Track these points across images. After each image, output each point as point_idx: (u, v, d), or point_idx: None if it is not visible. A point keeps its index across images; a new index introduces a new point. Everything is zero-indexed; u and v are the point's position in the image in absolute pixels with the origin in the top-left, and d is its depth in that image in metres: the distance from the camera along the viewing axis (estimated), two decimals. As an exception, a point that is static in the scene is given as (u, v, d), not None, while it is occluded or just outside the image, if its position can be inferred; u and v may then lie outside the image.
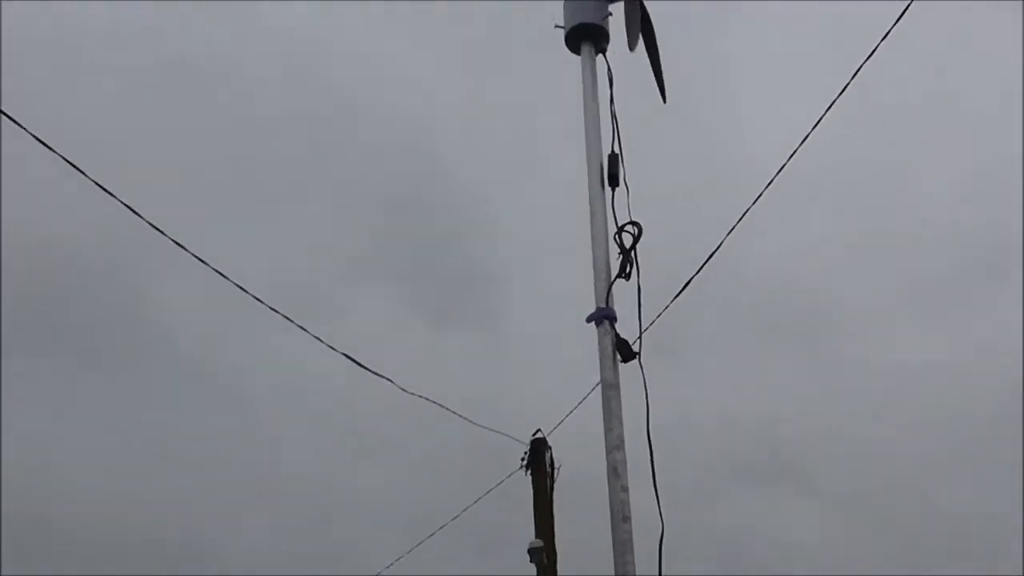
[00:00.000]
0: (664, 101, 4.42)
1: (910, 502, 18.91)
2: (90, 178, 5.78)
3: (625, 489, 3.43)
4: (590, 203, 3.99)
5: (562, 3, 4.40)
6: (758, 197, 6.49)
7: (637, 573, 3.29)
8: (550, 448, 10.94)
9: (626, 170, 4.02)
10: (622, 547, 3.34)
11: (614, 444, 3.50)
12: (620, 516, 3.39)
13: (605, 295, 3.77)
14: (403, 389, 8.96)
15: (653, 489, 3.47)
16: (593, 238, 3.91)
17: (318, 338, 7.96)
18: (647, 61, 4.41)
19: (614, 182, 3.99)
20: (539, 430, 10.87)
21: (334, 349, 8.12)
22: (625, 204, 3.95)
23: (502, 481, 10.82)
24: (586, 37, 4.33)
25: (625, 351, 3.65)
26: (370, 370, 8.63)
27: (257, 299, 7.27)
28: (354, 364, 8.31)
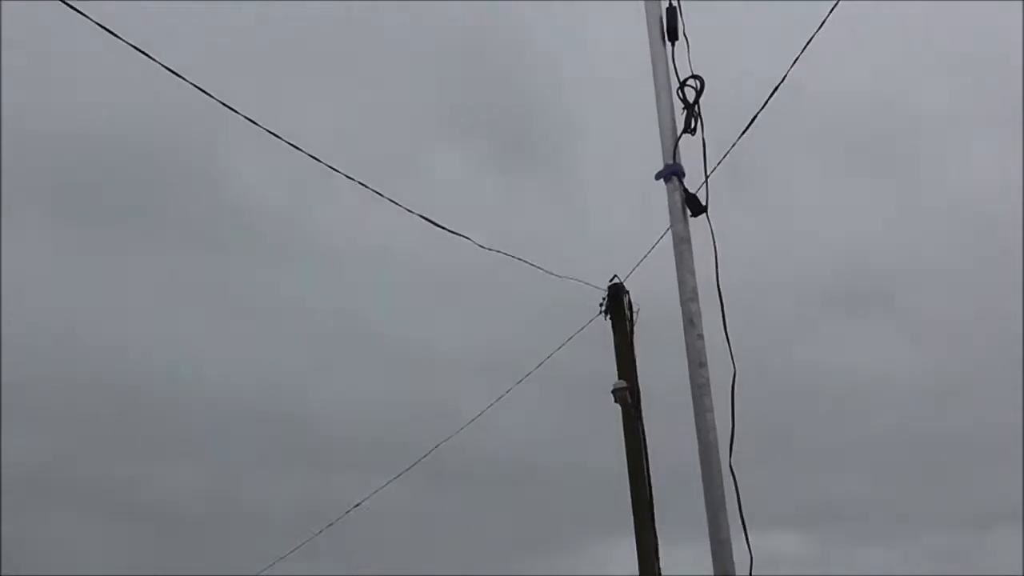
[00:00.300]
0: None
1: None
2: (158, 61, 5.88)
3: (700, 337, 3.60)
4: (651, 58, 4.01)
5: None
6: (823, 22, 6.32)
7: (714, 411, 3.49)
8: (627, 293, 11.14)
9: (685, 23, 4.01)
10: (699, 390, 3.53)
11: (688, 296, 3.64)
12: (697, 362, 3.57)
13: (672, 150, 3.83)
14: (480, 245, 9.14)
15: (725, 336, 3.63)
16: (657, 94, 3.94)
17: (394, 201, 8.13)
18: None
19: (673, 36, 3.98)
20: (615, 276, 11.07)
21: (411, 211, 8.30)
22: (686, 57, 3.95)
23: (583, 327, 11.09)
24: None
25: (694, 205, 3.74)
26: (447, 228, 8.80)
27: (332, 168, 7.42)
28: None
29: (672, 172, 3.80)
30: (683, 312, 3.62)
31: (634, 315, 11.09)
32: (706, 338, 3.58)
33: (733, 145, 7.66)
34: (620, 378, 10.93)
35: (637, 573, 10.04)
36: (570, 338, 11.29)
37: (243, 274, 19.59)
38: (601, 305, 11.11)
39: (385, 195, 8.06)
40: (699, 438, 3.46)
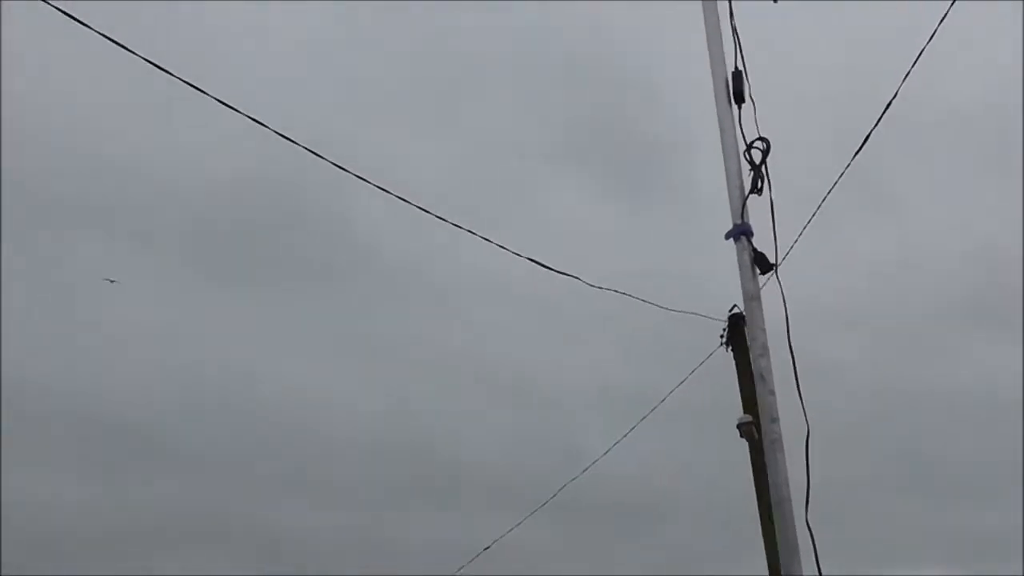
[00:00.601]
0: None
1: None
2: (273, 129, 6.35)
3: (772, 393, 3.70)
4: (719, 120, 4.15)
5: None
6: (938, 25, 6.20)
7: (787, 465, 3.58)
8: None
9: (751, 84, 4.14)
10: (772, 445, 3.64)
11: (759, 352, 3.76)
12: (769, 417, 3.68)
13: (740, 210, 3.96)
14: (590, 284, 9.28)
15: (798, 393, 3.73)
16: (724, 155, 4.08)
17: (503, 247, 8.38)
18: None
19: (739, 99, 4.12)
20: (735, 305, 11.02)
21: (519, 255, 8.52)
22: (752, 119, 4.08)
23: (704, 360, 11.09)
24: (701, -47, 4.40)
25: (763, 264, 3.86)
26: (556, 270, 8.98)
27: (440, 219, 7.73)
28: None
29: (741, 232, 3.93)
30: (754, 367, 3.75)
31: (756, 346, 11.03)
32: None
33: (836, 183, 7.62)
34: (745, 412, 10.86)
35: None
36: (692, 371, 11.30)
37: (371, 313, 20.35)
38: (722, 336, 11.09)
39: (493, 241, 8.28)
40: (772, 492, 3.56)
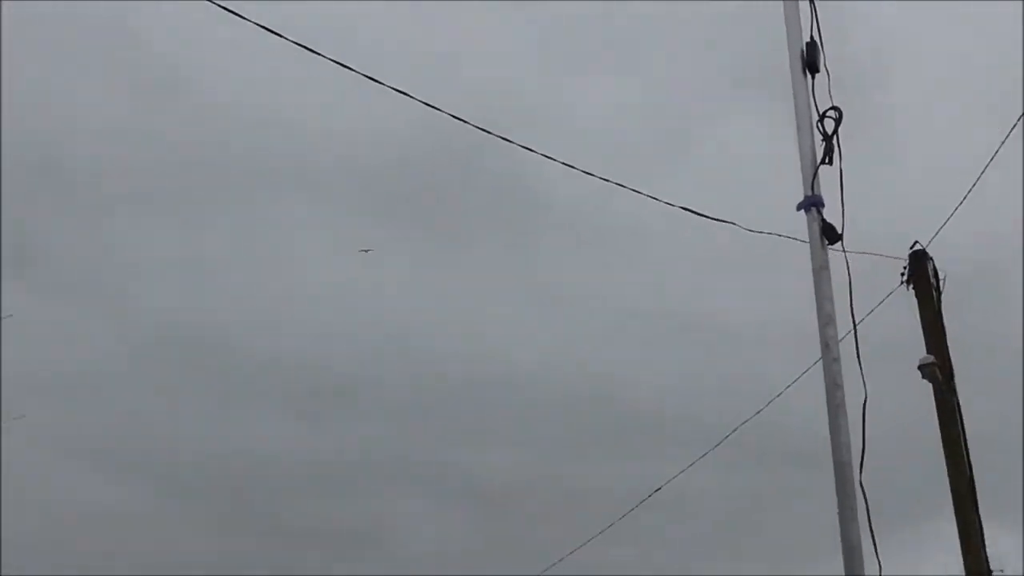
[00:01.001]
0: None
1: None
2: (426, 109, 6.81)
3: (836, 360, 3.84)
4: (793, 90, 4.23)
5: None
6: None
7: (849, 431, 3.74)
8: (931, 259, 10.65)
9: (826, 55, 4.18)
10: (835, 410, 3.78)
11: (825, 321, 3.89)
12: (832, 383, 3.82)
13: (811, 181, 4.06)
14: (748, 229, 9.10)
15: (858, 361, 3.85)
16: (798, 126, 4.17)
17: (655, 198, 8.46)
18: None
19: (813, 69, 4.17)
20: (916, 242, 10.62)
21: (671, 204, 8.53)
22: (826, 89, 4.14)
23: (885, 299, 10.79)
24: (779, -80, 4.43)
25: (831, 234, 3.96)
26: (709, 216, 8.88)
27: (589, 174, 7.93)
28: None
29: (811, 203, 4.03)
30: (820, 336, 3.88)
31: (940, 283, 10.58)
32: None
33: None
34: (928, 352, 10.49)
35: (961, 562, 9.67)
36: (871, 311, 11.02)
37: (548, 262, 20.86)
38: (902, 274, 10.73)
39: (643, 192, 8.36)
40: (833, 456, 3.73)
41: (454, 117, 6.94)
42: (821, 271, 3.96)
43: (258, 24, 5.83)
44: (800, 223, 4.03)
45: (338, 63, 6.26)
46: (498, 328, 20.84)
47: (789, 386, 11.40)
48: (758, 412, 11.11)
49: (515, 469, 20.38)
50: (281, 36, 5.77)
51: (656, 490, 10.17)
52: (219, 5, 5.65)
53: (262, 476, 18.91)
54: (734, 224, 9.27)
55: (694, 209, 8.84)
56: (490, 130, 7.19)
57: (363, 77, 6.44)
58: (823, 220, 4.00)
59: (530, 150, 7.45)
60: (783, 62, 4.19)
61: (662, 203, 8.55)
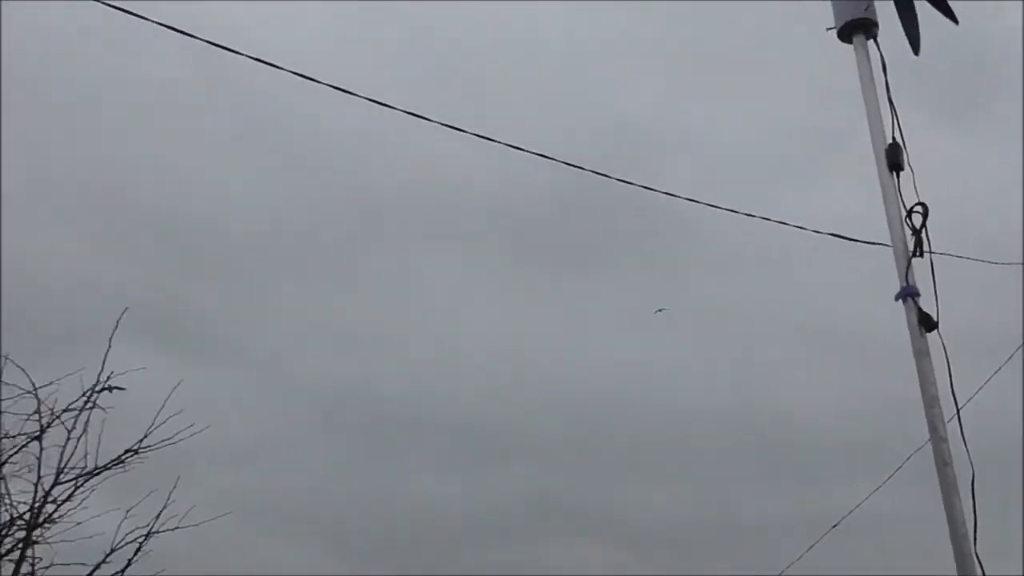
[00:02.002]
0: (916, 53, 4.77)
1: None
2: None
3: (944, 439, 4.18)
4: (881, 188, 4.61)
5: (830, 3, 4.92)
6: None
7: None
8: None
9: (908, 153, 4.55)
10: (948, 489, 4.13)
11: (930, 403, 4.25)
12: (942, 461, 4.17)
13: (905, 273, 4.43)
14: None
15: (962, 439, 4.19)
16: (889, 221, 4.55)
17: (800, 227, 8.49)
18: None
19: (897, 168, 4.55)
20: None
21: (819, 232, 8.52)
22: (912, 185, 4.51)
23: (982, 385, 10.57)
24: (856, 28, 4.82)
25: (928, 323, 4.32)
26: (860, 240, 8.70)
27: (715, 206, 8.02)
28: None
29: (907, 293, 4.40)
30: (927, 417, 4.24)
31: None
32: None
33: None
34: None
35: None
36: (973, 395, 10.82)
37: (699, 291, 21.00)
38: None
39: (789, 223, 8.41)
40: (950, 529, 4.08)
41: (568, 164, 7.24)
42: (922, 357, 4.32)
43: (376, 101, 6.36)
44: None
45: (478, 136, 6.69)
46: (655, 363, 21.10)
47: (980, 389, 11.12)
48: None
49: (678, 506, 20.57)
50: (421, 116, 6.26)
51: (834, 526, 10.33)
52: (339, 89, 6.24)
53: (425, 530, 19.74)
54: (882, 244, 9.15)
55: (843, 235, 8.81)
56: (608, 174, 7.52)
57: (502, 144, 6.91)
58: (919, 309, 4.36)
59: (652, 190, 7.63)
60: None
61: (808, 231, 8.53)
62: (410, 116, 6.49)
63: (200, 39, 5.60)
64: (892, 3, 4.88)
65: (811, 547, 11.79)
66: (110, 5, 5.43)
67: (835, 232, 8.73)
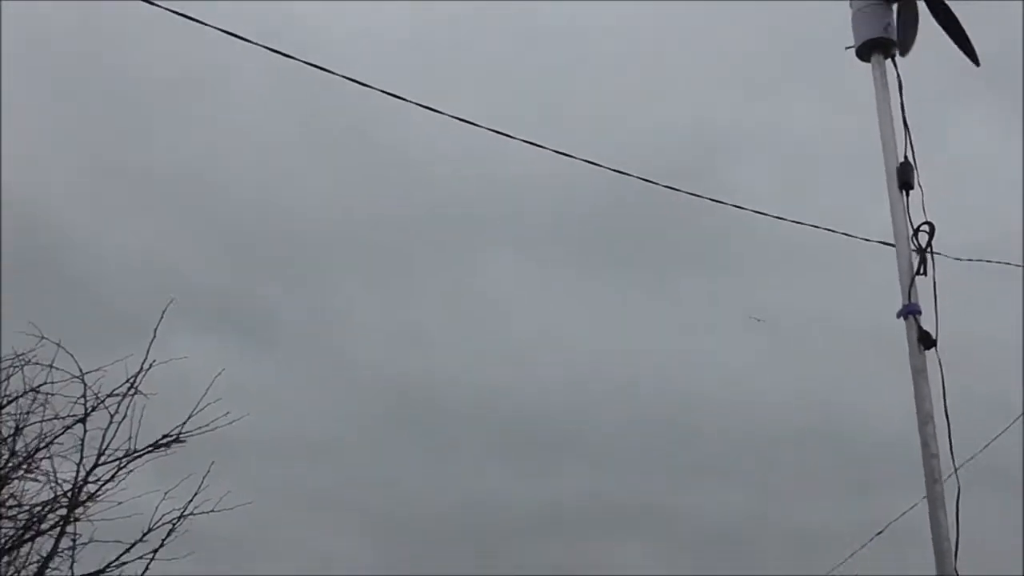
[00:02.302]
0: (977, 64, 4.82)
1: None
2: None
3: (934, 456, 4.25)
4: (890, 206, 4.68)
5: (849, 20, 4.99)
6: None
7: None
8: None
9: (919, 172, 4.61)
10: (935, 504, 4.20)
11: (924, 420, 4.31)
12: (931, 479, 4.24)
13: (908, 291, 4.50)
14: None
15: (951, 457, 4.25)
16: (896, 239, 4.62)
17: (814, 225, 8.41)
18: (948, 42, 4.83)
19: (907, 187, 4.61)
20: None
21: (832, 231, 8.43)
22: (920, 204, 4.57)
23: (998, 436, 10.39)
24: (875, 47, 4.89)
25: (927, 340, 4.38)
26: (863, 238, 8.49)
27: (796, 222, 7.94)
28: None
29: (909, 311, 4.47)
30: (920, 434, 4.31)
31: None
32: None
33: None
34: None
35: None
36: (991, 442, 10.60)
37: (758, 289, 20.79)
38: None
39: (835, 228, 8.32)
40: (934, 546, 4.15)
41: (618, 172, 7.30)
42: (919, 374, 4.39)
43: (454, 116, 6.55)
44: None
45: (529, 143, 6.82)
46: (713, 363, 21.00)
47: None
48: (989, 443, 10.84)
49: (738, 509, 20.47)
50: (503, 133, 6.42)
51: (878, 533, 10.30)
52: (422, 105, 6.44)
53: (493, 525, 19.99)
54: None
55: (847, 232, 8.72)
56: (657, 181, 7.61)
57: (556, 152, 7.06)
58: (920, 327, 4.43)
59: (698, 196, 7.66)
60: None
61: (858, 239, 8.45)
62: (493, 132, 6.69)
63: (294, 58, 5.83)
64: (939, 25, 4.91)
65: (853, 554, 11.73)
66: (194, 20, 5.66)
67: (833, 228, 8.43)
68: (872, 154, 4.76)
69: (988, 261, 8.40)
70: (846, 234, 7.33)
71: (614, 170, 7.51)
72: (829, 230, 7.69)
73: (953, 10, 4.81)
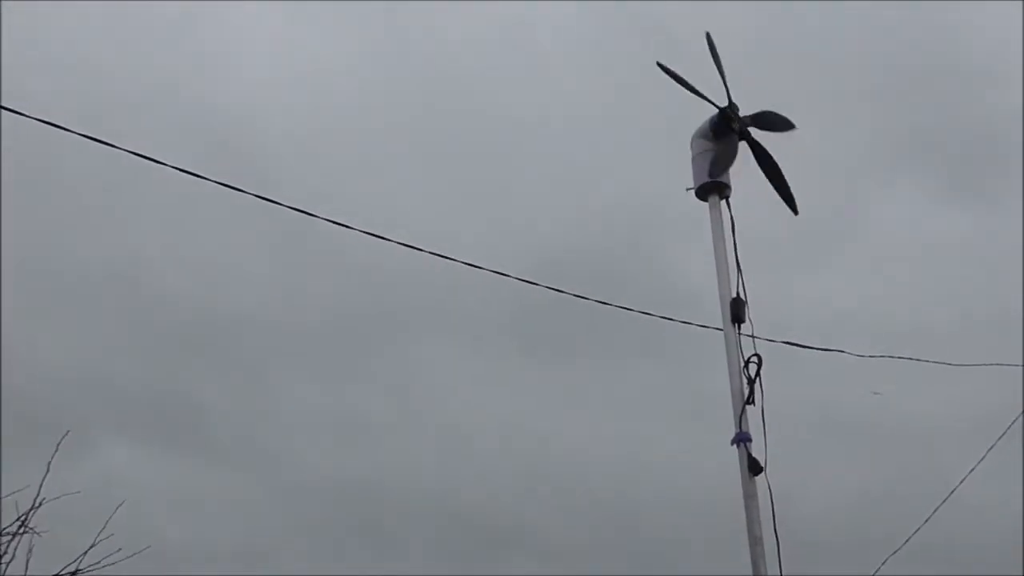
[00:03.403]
0: (796, 212, 5.24)
1: None
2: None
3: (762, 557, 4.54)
4: (725, 339, 5.04)
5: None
6: None
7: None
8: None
9: (750, 308, 4.99)
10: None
11: (754, 542, 4.62)
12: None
13: (739, 419, 4.83)
14: (858, 355, 8.03)
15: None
16: (729, 370, 4.97)
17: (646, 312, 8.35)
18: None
19: (739, 320, 4.98)
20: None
21: (667, 318, 8.27)
22: (751, 337, 4.94)
23: None
24: (711, 189, 5.31)
25: (754, 467, 4.70)
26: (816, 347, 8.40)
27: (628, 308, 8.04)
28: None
29: (741, 438, 4.80)
30: (751, 554, 4.61)
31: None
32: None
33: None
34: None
35: None
36: None
37: (704, 374, 21.13)
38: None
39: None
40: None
41: (523, 280, 7.49)
42: (750, 499, 4.70)
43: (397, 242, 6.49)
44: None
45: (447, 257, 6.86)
46: (658, 449, 21.11)
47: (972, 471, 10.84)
48: (936, 509, 10.85)
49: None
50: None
51: (908, 540, 10.24)
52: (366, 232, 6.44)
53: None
54: (843, 352, 8.68)
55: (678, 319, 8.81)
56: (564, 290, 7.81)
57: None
58: (749, 455, 4.75)
59: (606, 304, 7.79)
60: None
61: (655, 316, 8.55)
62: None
63: (247, 192, 5.74)
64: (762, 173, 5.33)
65: (885, 562, 11.70)
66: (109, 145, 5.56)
67: (670, 316, 8.53)
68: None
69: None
70: (680, 320, 7.49)
71: (519, 279, 7.82)
72: (667, 318, 7.89)
73: (775, 160, 5.25)
